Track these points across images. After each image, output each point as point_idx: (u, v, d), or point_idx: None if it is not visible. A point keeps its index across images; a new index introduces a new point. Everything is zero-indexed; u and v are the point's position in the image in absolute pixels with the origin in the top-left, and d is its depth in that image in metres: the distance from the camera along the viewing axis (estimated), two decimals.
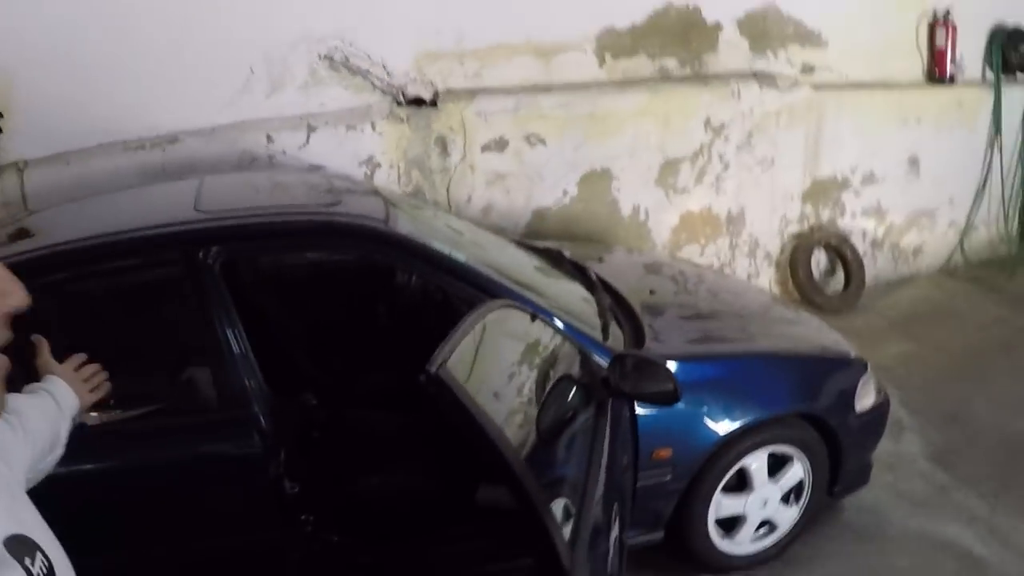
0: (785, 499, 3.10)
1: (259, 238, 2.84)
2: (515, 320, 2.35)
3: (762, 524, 3.11)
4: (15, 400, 1.42)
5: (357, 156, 4.12)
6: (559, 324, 2.68)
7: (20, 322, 1.11)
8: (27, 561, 0.92)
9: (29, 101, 3.98)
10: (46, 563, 0.95)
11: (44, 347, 1.63)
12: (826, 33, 5.30)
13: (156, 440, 2.59)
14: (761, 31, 5.07)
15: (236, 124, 4.03)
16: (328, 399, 3.30)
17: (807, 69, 5.26)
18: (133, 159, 3.97)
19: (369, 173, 4.14)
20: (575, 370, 2.42)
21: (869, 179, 5.55)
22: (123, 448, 2.49)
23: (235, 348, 2.61)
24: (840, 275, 5.46)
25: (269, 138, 4.02)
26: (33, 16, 3.81)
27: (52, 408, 1.54)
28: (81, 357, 1.69)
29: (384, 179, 4.16)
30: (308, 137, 4.06)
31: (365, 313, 3.80)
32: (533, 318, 2.41)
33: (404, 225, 2.95)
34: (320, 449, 3.08)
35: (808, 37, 5.25)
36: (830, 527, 3.34)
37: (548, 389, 2.24)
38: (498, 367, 2.28)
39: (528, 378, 2.32)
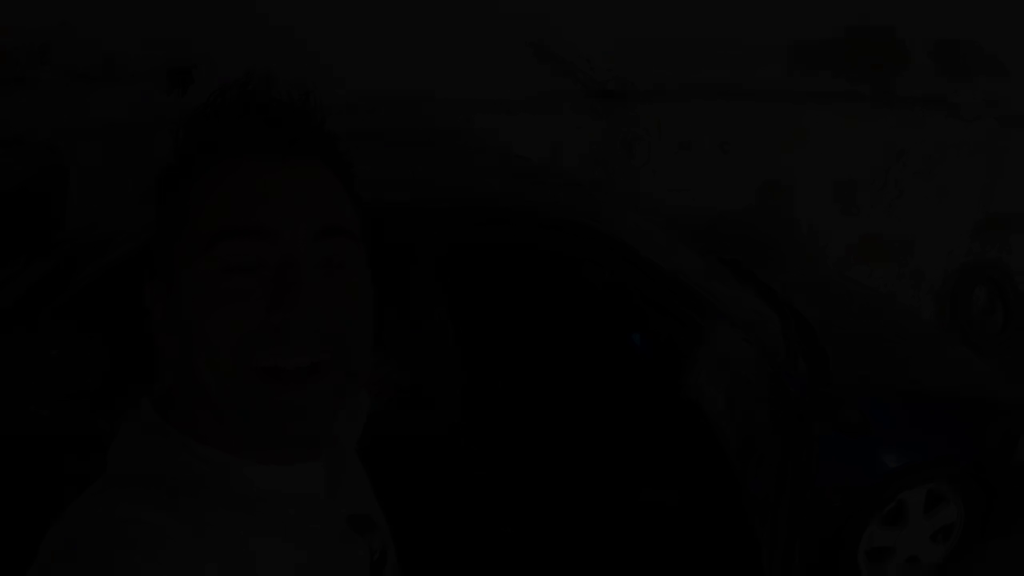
0: (934, 537, 3.10)
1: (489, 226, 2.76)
2: (728, 341, 2.44)
3: (908, 559, 3.12)
4: None
5: (546, 143, 4.11)
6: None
7: None
8: (368, 539, 0.94)
9: None
10: (381, 544, 0.97)
11: None
12: (1016, 67, 5.12)
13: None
14: (951, 58, 4.92)
15: (431, 96, 4.05)
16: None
17: (992, 102, 5.09)
18: None
19: (555, 161, 4.13)
20: (767, 394, 2.46)
21: None
22: None
23: (447, 346, 2.56)
24: (999, 315, 5.28)
25: (464, 115, 4.03)
26: None
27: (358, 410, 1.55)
28: None
29: (568, 169, 4.15)
30: (500, 118, 4.06)
31: (533, 327, 3.72)
32: (749, 342, 2.49)
33: (623, 229, 2.94)
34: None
35: (998, 69, 5.07)
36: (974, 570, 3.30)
37: (742, 410, 2.32)
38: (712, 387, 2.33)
39: (728, 397, 2.36)
